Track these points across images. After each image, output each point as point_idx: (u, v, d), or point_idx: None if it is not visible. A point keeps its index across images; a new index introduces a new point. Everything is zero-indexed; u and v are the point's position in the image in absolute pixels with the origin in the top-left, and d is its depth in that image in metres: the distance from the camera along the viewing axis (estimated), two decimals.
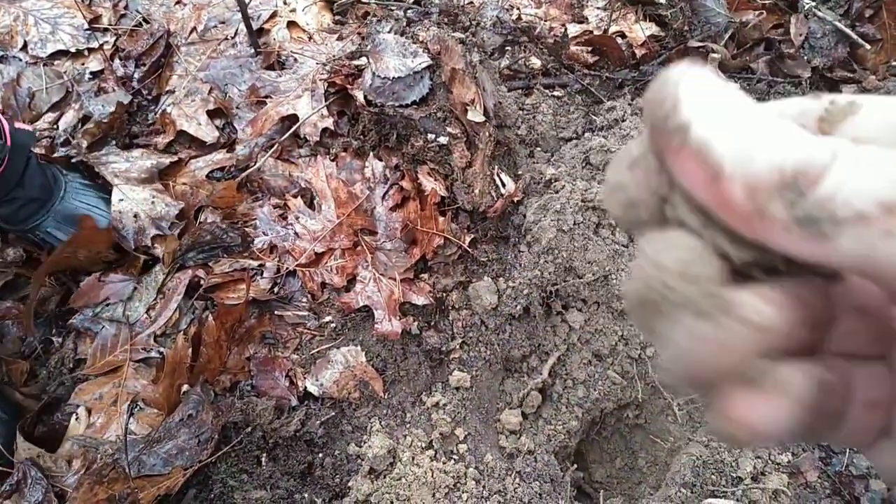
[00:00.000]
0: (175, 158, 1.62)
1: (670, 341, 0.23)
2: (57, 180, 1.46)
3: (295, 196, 1.55)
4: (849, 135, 0.22)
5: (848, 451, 1.42)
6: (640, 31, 1.77)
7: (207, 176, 1.58)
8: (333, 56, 1.67)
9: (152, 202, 1.50)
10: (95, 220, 1.44)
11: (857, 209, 0.18)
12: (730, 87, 0.22)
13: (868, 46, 1.69)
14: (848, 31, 1.70)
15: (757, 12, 1.76)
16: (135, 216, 1.48)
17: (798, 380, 0.23)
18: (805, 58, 1.73)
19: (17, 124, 1.39)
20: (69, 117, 1.70)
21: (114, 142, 1.65)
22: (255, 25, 1.77)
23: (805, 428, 0.23)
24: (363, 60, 1.59)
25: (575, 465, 1.43)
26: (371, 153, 1.57)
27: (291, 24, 1.83)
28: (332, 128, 1.61)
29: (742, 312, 0.21)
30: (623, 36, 1.79)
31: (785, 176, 0.19)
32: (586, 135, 1.58)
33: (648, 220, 0.25)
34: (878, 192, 0.18)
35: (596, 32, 1.79)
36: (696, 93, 0.22)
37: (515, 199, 1.49)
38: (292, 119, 1.62)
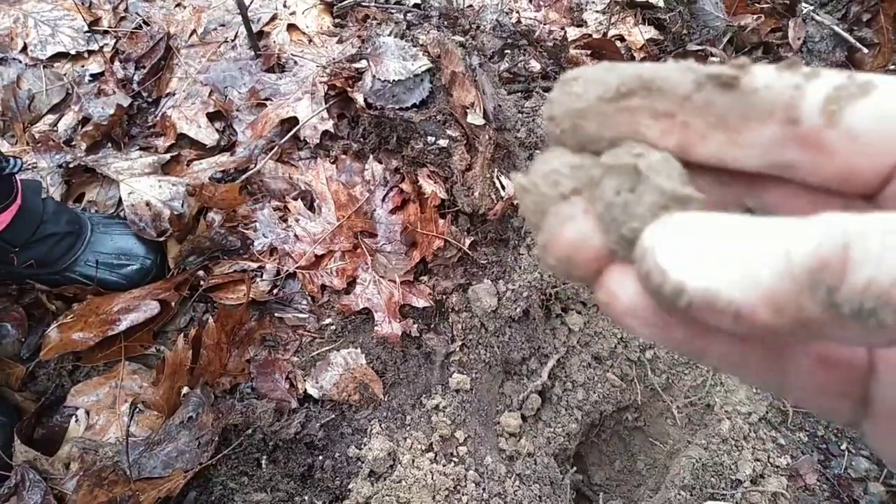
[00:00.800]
0: (175, 153, 1.62)
1: (543, 226, 0.25)
2: (80, 216, 1.46)
3: (295, 198, 1.55)
4: (858, 119, 0.22)
5: (847, 453, 1.42)
6: (639, 34, 1.77)
7: (209, 178, 1.58)
8: (333, 59, 1.67)
9: (159, 187, 1.50)
10: (130, 246, 1.45)
11: None
12: (696, 218, 0.21)
13: (866, 50, 1.70)
14: (846, 35, 1.70)
15: (755, 16, 1.77)
16: (147, 204, 1.48)
17: None
18: (803, 61, 1.74)
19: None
20: (69, 119, 1.70)
21: (110, 144, 1.65)
22: (255, 28, 1.77)
23: (689, 328, 0.23)
24: (363, 63, 1.59)
25: (574, 468, 1.43)
26: (371, 156, 1.57)
27: (291, 27, 1.83)
28: (332, 130, 1.61)
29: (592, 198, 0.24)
30: (622, 39, 1.80)
31: (802, 279, 0.18)
32: None
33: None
34: None
35: (595, 36, 1.79)
36: (670, 247, 0.21)
37: (515, 202, 1.49)
38: (292, 122, 1.62)
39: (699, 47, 1.71)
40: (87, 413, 1.34)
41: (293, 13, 1.86)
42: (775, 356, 0.24)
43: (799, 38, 1.75)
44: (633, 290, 0.23)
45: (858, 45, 1.70)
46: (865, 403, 0.24)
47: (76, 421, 1.32)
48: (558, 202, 0.25)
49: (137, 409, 1.31)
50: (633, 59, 1.74)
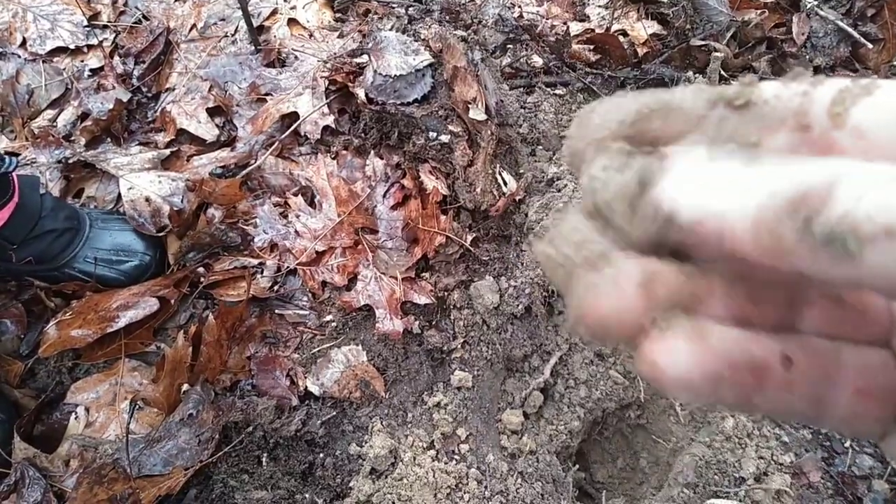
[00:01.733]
0: (175, 148, 1.61)
1: (572, 294, 0.25)
2: (78, 212, 1.45)
3: (295, 194, 1.54)
4: (863, 118, 0.22)
5: (850, 451, 1.42)
6: (642, 29, 1.76)
7: (209, 173, 1.57)
8: (334, 54, 1.66)
9: (159, 182, 1.49)
10: (129, 242, 1.44)
11: (883, 223, 0.17)
12: (700, 157, 0.22)
13: (870, 45, 1.69)
14: (850, 30, 1.69)
15: (759, 11, 1.75)
16: (147, 200, 1.47)
17: (716, 332, 0.23)
18: (807, 57, 1.73)
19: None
20: (68, 114, 1.69)
21: (109, 139, 1.64)
22: (255, 23, 1.76)
23: (737, 383, 0.23)
24: (364, 58, 1.58)
25: (577, 466, 1.42)
26: (372, 151, 1.56)
27: (292, 22, 1.82)
28: (333, 126, 1.60)
29: (623, 267, 0.24)
30: (625, 34, 1.78)
31: (783, 206, 0.19)
32: None
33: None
34: None
35: (598, 31, 1.78)
36: (682, 178, 0.22)
37: (517, 198, 1.48)
38: (293, 117, 1.61)
39: (703, 42, 1.70)
40: (87, 410, 1.33)
41: (294, 7, 1.85)
42: (818, 398, 0.24)
43: (803, 34, 1.74)
44: (684, 358, 0.23)
45: (863, 40, 1.68)
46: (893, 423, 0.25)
47: (76, 418, 1.32)
48: (586, 268, 0.25)
49: (137, 407, 1.30)
50: (636, 54, 1.73)
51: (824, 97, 0.23)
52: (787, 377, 0.24)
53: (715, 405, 0.24)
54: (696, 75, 1.62)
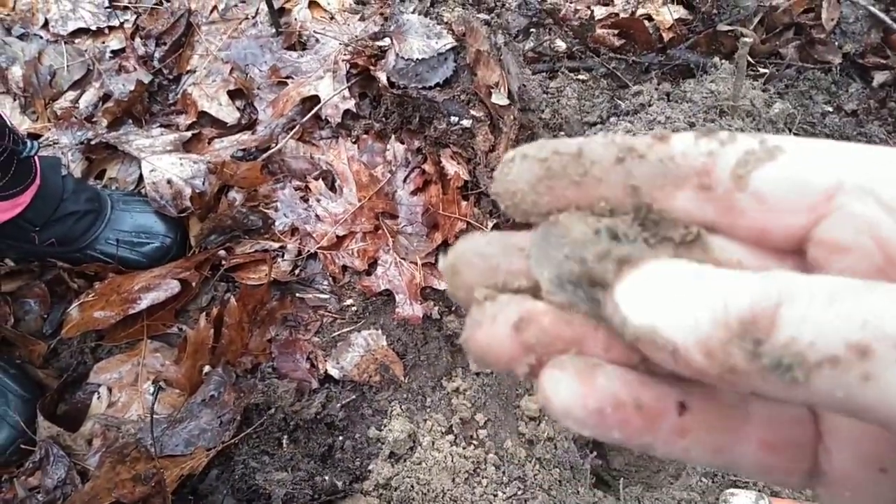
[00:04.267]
0: (196, 131, 1.61)
1: (466, 320, 0.27)
2: (100, 193, 1.45)
3: (316, 178, 1.54)
4: (764, 183, 0.24)
5: None
6: (667, 14, 1.73)
7: (231, 156, 1.57)
8: (356, 36, 1.65)
9: (180, 164, 1.50)
10: (150, 224, 1.44)
11: (826, 352, 0.18)
12: (659, 268, 0.23)
13: None
14: (882, 15, 1.65)
15: None
16: (168, 182, 1.47)
17: (605, 373, 0.24)
18: (836, 43, 1.69)
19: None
20: (90, 95, 1.70)
21: (131, 121, 1.65)
22: (276, 5, 1.75)
23: (622, 423, 0.24)
24: (386, 41, 1.57)
25: (594, 453, 1.42)
26: (393, 136, 1.56)
27: (313, 4, 1.81)
28: (354, 109, 1.59)
29: (505, 308, 0.25)
30: (650, 19, 1.76)
31: (733, 329, 0.19)
32: (611, 119, 1.56)
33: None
34: (845, 332, 0.18)
35: (623, 15, 1.76)
36: (634, 291, 0.23)
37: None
38: (314, 100, 1.60)
39: (729, 27, 1.67)
40: (110, 390, 1.34)
41: None
42: (718, 447, 0.25)
43: (832, 19, 1.71)
44: (567, 393, 0.24)
45: (895, 26, 1.65)
46: (816, 473, 0.25)
47: (98, 398, 1.33)
48: (475, 302, 0.27)
49: (160, 388, 1.31)
50: (661, 39, 1.70)
51: (730, 158, 0.24)
52: (681, 423, 0.24)
53: (607, 440, 0.24)
54: (723, 61, 1.60)
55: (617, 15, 1.76)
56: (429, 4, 1.60)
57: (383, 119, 1.58)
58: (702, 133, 0.26)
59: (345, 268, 1.47)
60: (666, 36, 1.71)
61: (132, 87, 1.65)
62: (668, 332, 0.21)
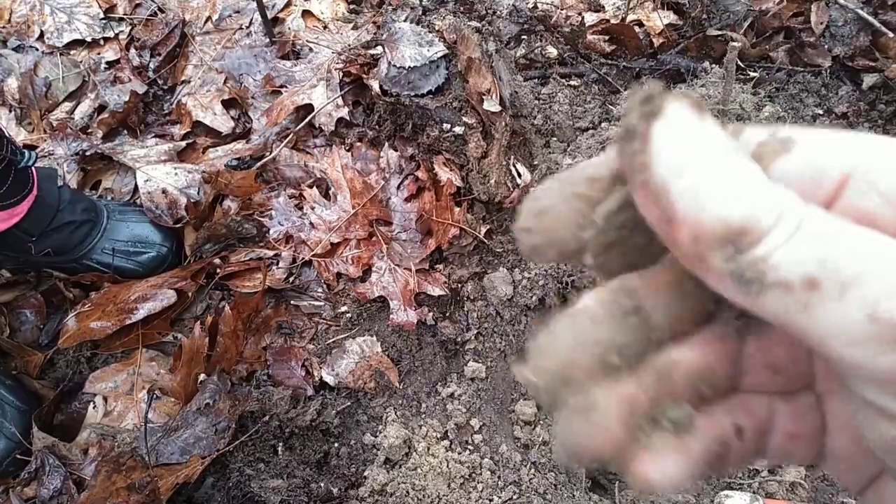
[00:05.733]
0: (191, 140, 1.63)
1: (559, 431, 0.26)
2: (96, 203, 1.46)
3: (310, 186, 1.55)
4: (785, 173, 0.25)
5: None
6: (657, 19, 1.74)
7: (225, 165, 1.58)
8: (349, 45, 1.66)
9: (175, 174, 1.51)
10: (146, 234, 1.45)
11: (783, 278, 0.20)
12: (705, 125, 0.23)
13: (891, 34, 1.66)
14: (870, 18, 1.67)
15: (777, 0, 1.73)
16: (163, 191, 1.48)
17: (691, 444, 0.26)
18: (826, 46, 1.71)
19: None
20: (85, 107, 1.71)
21: (126, 132, 1.66)
22: (269, 15, 1.77)
23: (711, 468, 0.27)
24: (379, 50, 1.58)
25: None
26: (386, 143, 1.56)
27: (306, 14, 1.82)
28: (348, 118, 1.60)
29: (603, 404, 0.25)
30: (640, 24, 1.77)
31: (728, 231, 0.21)
32: (603, 125, 1.57)
33: (563, 257, 0.28)
34: (805, 266, 0.20)
35: (613, 21, 1.77)
36: (667, 132, 0.23)
37: (531, 190, 1.48)
38: (307, 109, 1.62)
39: (719, 32, 1.68)
40: (105, 400, 1.35)
41: None
42: (761, 448, 0.28)
43: (822, 23, 1.72)
44: (670, 472, 0.26)
45: (884, 29, 1.66)
46: (823, 454, 0.29)
47: (94, 407, 1.34)
48: (568, 408, 0.26)
49: (155, 396, 1.32)
50: (651, 44, 1.71)
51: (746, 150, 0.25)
52: (742, 445, 0.27)
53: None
54: (713, 66, 1.61)
55: (607, 21, 1.77)
56: (420, 13, 1.61)
57: (377, 127, 1.59)
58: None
59: (339, 275, 1.48)
60: (656, 41, 1.72)
61: (127, 98, 1.66)
62: (676, 195, 0.22)
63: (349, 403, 1.37)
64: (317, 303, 1.47)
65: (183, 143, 1.61)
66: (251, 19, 1.82)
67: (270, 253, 1.49)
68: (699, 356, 0.27)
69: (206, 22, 1.83)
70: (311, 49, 1.73)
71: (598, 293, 0.27)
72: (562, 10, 1.80)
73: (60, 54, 1.78)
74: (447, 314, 1.47)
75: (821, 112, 1.64)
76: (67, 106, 1.73)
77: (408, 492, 1.25)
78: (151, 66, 1.77)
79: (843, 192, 0.24)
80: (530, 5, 1.77)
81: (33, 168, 1.31)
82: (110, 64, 1.78)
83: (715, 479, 1.34)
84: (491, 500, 1.27)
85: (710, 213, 0.21)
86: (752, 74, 1.66)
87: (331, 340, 1.43)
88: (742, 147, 0.24)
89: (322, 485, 1.27)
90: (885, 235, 0.20)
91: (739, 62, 1.65)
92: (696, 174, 0.22)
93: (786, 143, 0.25)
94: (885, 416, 0.22)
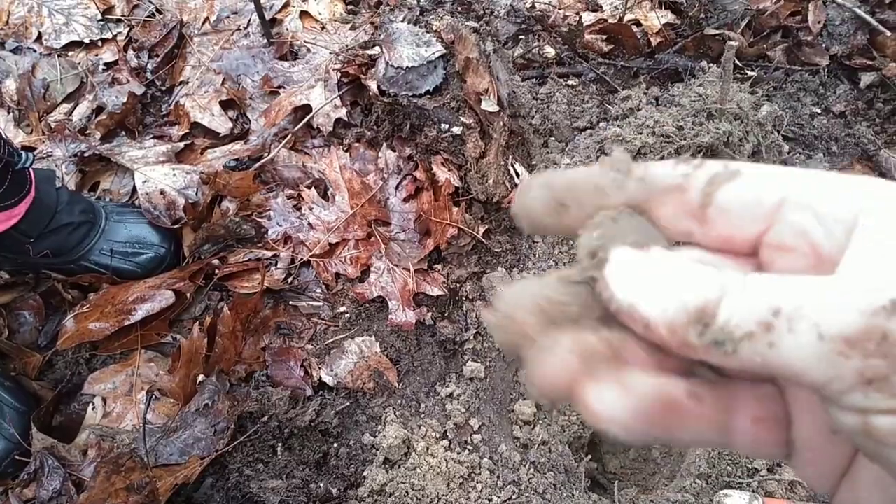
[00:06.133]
0: (189, 141, 1.63)
1: (527, 368, 0.30)
2: (94, 205, 1.46)
3: (309, 186, 1.55)
4: (726, 199, 0.30)
5: None
6: (655, 19, 1.75)
7: (223, 166, 1.58)
8: (346, 46, 1.66)
9: (173, 175, 1.51)
10: (144, 235, 1.45)
11: (746, 330, 0.24)
12: (641, 255, 0.29)
13: (888, 33, 1.66)
14: (868, 17, 1.67)
15: None
16: (162, 192, 1.48)
17: (636, 378, 0.29)
18: (823, 45, 1.71)
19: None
20: (83, 108, 1.71)
21: (124, 133, 1.66)
22: (267, 16, 1.77)
23: (661, 420, 0.29)
24: (376, 50, 1.58)
25: (589, 456, 1.43)
26: (384, 143, 1.57)
27: (304, 14, 1.82)
28: (346, 118, 1.60)
29: (558, 340, 0.30)
30: (638, 24, 1.77)
31: (691, 316, 0.26)
32: (601, 124, 1.57)
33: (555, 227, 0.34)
34: (758, 313, 0.24)
35: (611, 21, 1.77)
36: (616, 272, 0.29)
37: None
38: (305, 109, 1.62)
39: (717, 31, 1.68)
40: (104, 401, 1.35)
41: (306, 0, 1.85)
42: (723, 427, 0.30)
43: (819, 22, 1.72)
44: (610, 402, 0.28)
45: (881, 27, 1.66)
46: (791, 445, 0.31)
47: (93, 408, 1.34)
48: (529, 342, 0.31)
49: (154, 397, 1.32)
50: (649, 43, 1.72)
51: (701, 179, 0.31)
52: (699, 411, 0.29)
53: (646, 442, 0.31)
54: (711, 65, 1.61)
55: (605, 21, 1.77)
56: (418, 13, 1.61)
57: (374, 127, 1.59)
58: (678, 160, 0.32)
59: (338, 275, 1.48)
60: (654, 41, 1.72)
61: (125, 99, 1.66)
62: (644, 311, 0.27)
63: (348, 404, 1.37)
64: (315, 303, 1.47)
65: (181, 144, 1.61)
66: (249, 20, 1.82)
67: (269, 253, 1.49)
68: None
69: (203, 23, 1.83)
70: (308, 50, 1.73)
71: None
72: (559, 9, 1.80)
73: (58, 56, 1.78)
74: (446, 314, 1.47)
75: (819, 111, 1.64)
76: (65, 107, 1.73)
77: (407, 492, 1.25)
78: (149, 67, 1.77)
79: (779, 214, 0.29)
80: (528, 5, 1.77)
81: (31, 169, 1.31)
82: (108, 65, 1.78)
83: (714, 478, 1.35)
84: (490, 500, 1.27)
85: (672, 310, 0.26)
86: (750, 73, 1.67)
87: (329, 341, 1.43)
88: (700, 176, 0.31)
89: (321, 485, 1.27)
90: (807, 276, 0.25)
91: (737, 61, 1.65)
92: (649, 290, 0.27)
93: (733, 174, 0.30)
94: (849, 408, 0.24)
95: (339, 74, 1.62)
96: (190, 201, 1.48)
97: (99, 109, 1.70)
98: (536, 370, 0.30)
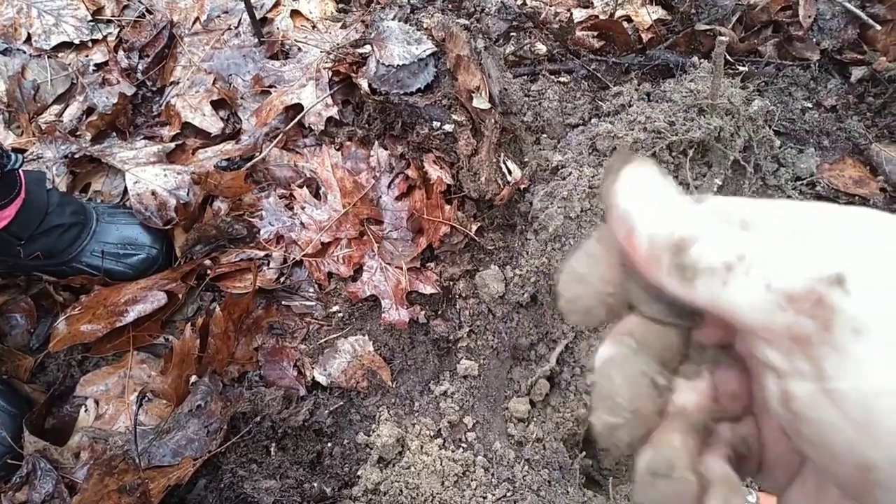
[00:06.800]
0: (180, 142, 1.62)
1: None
2: (85, 206, 1.46)
3: (301, 186, 1.55)
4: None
5: None
6: (646, 15, 1.75)
7: (215, 166, 1.57)
8: (337, 44, 1.66)
9: (164, 176, 1.50)
10: (136, 236, 1.44)
11: (709, 265, 0.28)
12: (653, 179, 0.32)
13: (878, 27, 1.66)
14: (858, 11, 1.67)
15: None
16: (153, 193, 1.48)
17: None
18: (814, 40, 1.71)
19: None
20: (74, 109, 1.70)
21: (115, 134, 1.65)
22: (258, 15, 1.76)
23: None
24: (367, 48, 1.58)
25: (584, 453, 1.42)
26: (376, 142, 1.56)
27: (295, 13, 1.82)
28: (337, 117, 1.60)
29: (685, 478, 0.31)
30: (629, 20, 1.77)
31: (671, 243, 0.29)
32: (593, 121, 1.56)
33: (606, 317, 0.35)
34: (724, 256, 0.28)
35: (602, 17, 1.77)
36: (625, 184, 0.33)
37: (522, 187, 1.48)
38: (297, 108, 1.61)
39: (708, 27, 1.68)
40: (97, 403, 1.34)
41: None
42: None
43: (809, 16, 1.72)
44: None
45: (871, 22, 1.66)
46: (762, 466, 0.35)
47: (86, 411, 1.33)
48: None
49: (146, 399, 1.31)
50: (640, 40, 1.71)
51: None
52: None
53: None
54: (702, 60, 1.61)
55: (596, 17, 1.77)
56: (409, 11, 1.61)
57: (366, 125, 1.58)
58: None
59: (330, 274, 1.47)
60: (645, 37, 1.72)
61: (116, 100, 1.66)
62: (636, 221, 0.31)
63: (342, 403, 1.37)
64: (308, 303, 1.46)
65: (172, 145, 1.61)
66: (240, 19, 1.81)
67: (261, 253, 1.48)
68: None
69: (194, 23, 1.82)
70: (299, 49, 1.72)
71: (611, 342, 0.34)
72: (550, 6, 1.80)
73: (48, 57, 1.77)
74: (439, 312, 1.47)
75: (810, 105, 1.64)
76: (56, 109, 1.72)
77: (401, 490, 1.25)
78: (140, 67, 1.76)
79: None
80: (519, 2, 1.77)
81: (21, 171, 1.30)
82: (98, 66, 1.77)
83: None
84: (485, 498, 1.27)
85: (660, 234, 0.30)
86: (741, 69, 1.67)
87: (323, 340, 1.43)
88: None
89: (315, 485, 1.27)
90: (779, 238, 0.27)
91: (728, 57, 1.65)
92: (650, 205, 0.31)
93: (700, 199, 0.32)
94: (774, 372, 0.28)
95: (330, 73, 1.62)
96: (181, 202, 1.47)
97: (89, 110, 1.69)
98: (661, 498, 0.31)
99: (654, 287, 0.32)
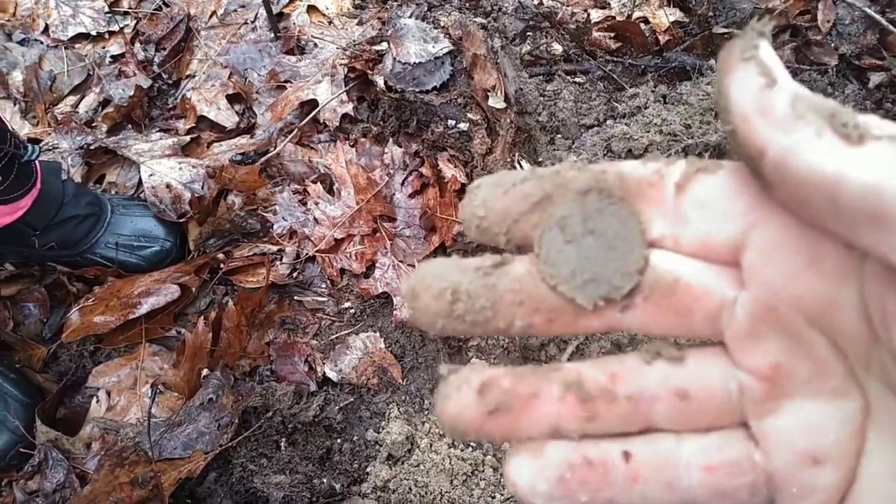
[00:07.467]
0: (195, 135, 1.63)
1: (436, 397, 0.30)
2: (100, 197, 1.46)
3: (314, 181, 1.55)
4: (707, 188, 0.28)
5: None
6: (663, 16, 1.74)
7: (229, 160, 1.58)
8: (353, 41, 1.66)
9: (179, 169, 1.50)
10: (150, 228, 1.45)
11: (885, 132, 0.23)
12: (768, 74, 0.27)
13: None
14: (878, 17, 1.66)
15: None
16: (167, 186, 1.48)
17: (551, 444, 0.29)
18: (832, 45, 1.70)
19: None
20: (90, 100, 1.71)
21: (130, 126, 1.66)
22: (275, 9, 1.76)
23: (587, 486, 0.28)
24: (384, 45, 1.57)
25: None
26: (391, 139, 1.56)
27: (311, 9, 1.82)
28: (352, 113, 1.60)
29: (468, 376, 0.29)
30: (646, 22, 1.76)
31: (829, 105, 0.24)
32: (608, 122, 1.56)
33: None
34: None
35: (619, 18, 1.76)
36: (735, 78, 0.27)
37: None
38: (312, 104, 1.61)
39: (725, 30, 1.67)
40: (108, 394, 1.35)
41: None
42: (668, 482, 0.29)
43: (828, 21, 1.71)
44: (528, 471, 0.28)
45: (891, 27, 1.65)
46: (769, 487, 0.28)
47: (97, 401, 1.34)
48: (440, 377, 0.30)
49: (158, 391, 1.32)
50: (657, 41, 1.71)
51: (676, 171, 0.29)
52: (631, 469, 0.28)
53: None
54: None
55: (613, 18, 1.76)
56: (426, 9, 1.61)
57: (381, 123, 1.58)
58: (646, 158, 0.30)
59: (343, 271, 1.47)
60: (662, 39, 1.71)
61: (132, 92, 1.66)
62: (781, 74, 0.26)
63: (352, 399, 1.37)
64: (320, 298, 1.47)
65: (187, 138, 1.61)
66: (256, 14, 1.81)
67: (274, 248, 1.49)
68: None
69: (211, 16, 1.83)
70: (315, 44, 1.72)
71: None
72: (567, 6, 1.79)
73: (65, 48, 1.78)
74: None
75: None
76: (72, 100, 1.73)
77: (410, 488, 1.25)
78: (156, 60, 1.77)
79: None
80: (536, 2, 1.76)
81: (37, 162, 1.31)
82: (115, 58, 1.78)
83: None
84: (493, 497, 1.27)
85: (753, 100, 0.25)
86: None
87: (334, 336, 1.43)
88: (675, 170, 0.29)
89: (325, 480, 1.27)
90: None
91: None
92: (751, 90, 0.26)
93: (714, 166, 0.28)
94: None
95: (345, 69, 1.62)
96: (196, 195, 1.48)
97: (105, 102, 1.70)
98: (444, 409, 0.29)
99: None
